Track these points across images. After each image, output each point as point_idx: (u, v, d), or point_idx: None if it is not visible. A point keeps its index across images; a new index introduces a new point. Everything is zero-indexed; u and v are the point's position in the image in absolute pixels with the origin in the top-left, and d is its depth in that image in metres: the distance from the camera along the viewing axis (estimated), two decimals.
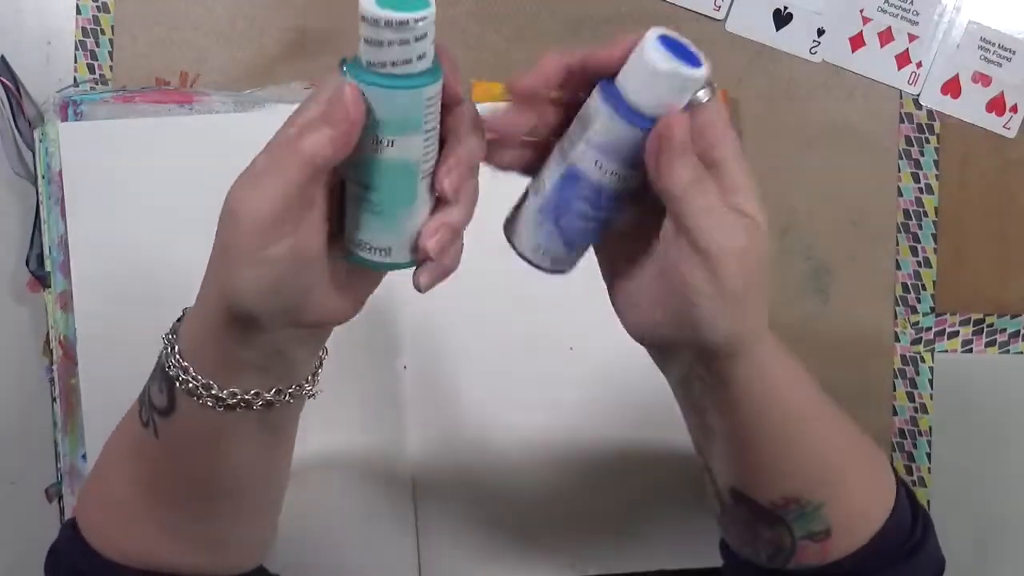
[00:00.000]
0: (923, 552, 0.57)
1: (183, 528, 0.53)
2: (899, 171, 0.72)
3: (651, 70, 0.43)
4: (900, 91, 0.72)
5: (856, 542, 0.54)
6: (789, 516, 0.54)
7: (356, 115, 0.42)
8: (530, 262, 0.48)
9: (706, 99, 0.45)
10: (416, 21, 0.40)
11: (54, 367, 0.70)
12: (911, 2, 0.72)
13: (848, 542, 0.54)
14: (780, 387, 0.51)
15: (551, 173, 0.46)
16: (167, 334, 0.50)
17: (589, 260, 0.69)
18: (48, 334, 0.71)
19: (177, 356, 0.48)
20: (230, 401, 0.48)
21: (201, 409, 0.48)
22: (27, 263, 0.71)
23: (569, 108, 0.47)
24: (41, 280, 0.71)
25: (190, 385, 0.48)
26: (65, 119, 0.69)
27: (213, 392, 0.48)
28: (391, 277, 0.49)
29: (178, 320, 0.50)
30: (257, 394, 0.49)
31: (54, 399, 0.70)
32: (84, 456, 0.70)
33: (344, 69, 0.43)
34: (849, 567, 0.55)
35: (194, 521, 0.54)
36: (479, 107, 0.74)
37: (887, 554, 0.55)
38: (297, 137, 0.44)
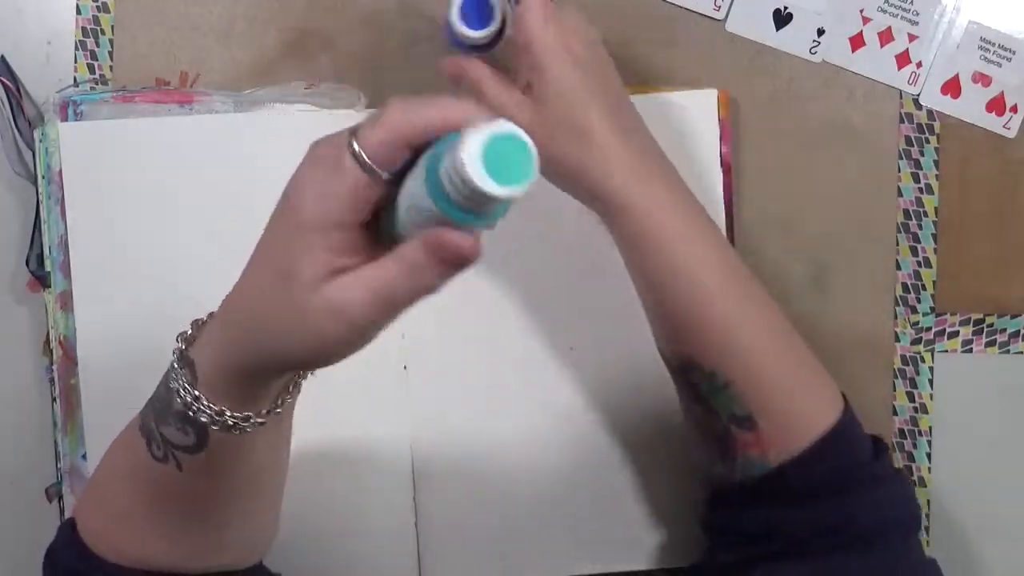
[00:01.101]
0: (891, 483, 0.58)
1: (191, 535, 0.53)
2: (899, 171, 0.72)
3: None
4: (900, 91, 0.72)
5: (793, 444, 0.56)
6: (696, 380, 0.57)
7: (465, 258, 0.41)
8: None
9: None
10: (518, 196, 0.38)
11: (54, 367, 0.70)
12: (911, 2, 0.72)
13: (783, 441, 0.56)
14: (666, 242, 0.57)
15: None
16: (179, 379, 0.48)
17: (590, 262, 0.70)
18: (48, 334, 0.71)
19: (206, 403, 0.47)
20: (264, 420, 0.48)
21: (233, 437, 0.48)
22: (27, 263, 0.71)
23: None
24: (41, 280, 0.71)
25: (228, 423, 0.47)
26: (65, 119, 0.69)
27: (251, 421, 0.48)
28: None
29: (181, 360, 0.48)
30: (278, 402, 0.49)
31: (54, 399, 0.70)
32: (84, 456, 0.70)
33: (427, 170, 0.40)
34: (798, 482, 0.56)
35: (204, 528, 0.54)
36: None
37: (840, 473, 0.56)
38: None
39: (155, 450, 0.50)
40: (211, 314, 0.50)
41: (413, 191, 0.42)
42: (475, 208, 0.39)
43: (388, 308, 0.43)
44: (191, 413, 0.47)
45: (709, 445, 0.60)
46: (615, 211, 0.58)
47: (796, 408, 0.57)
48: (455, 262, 0.41)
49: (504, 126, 0.38)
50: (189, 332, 0.50)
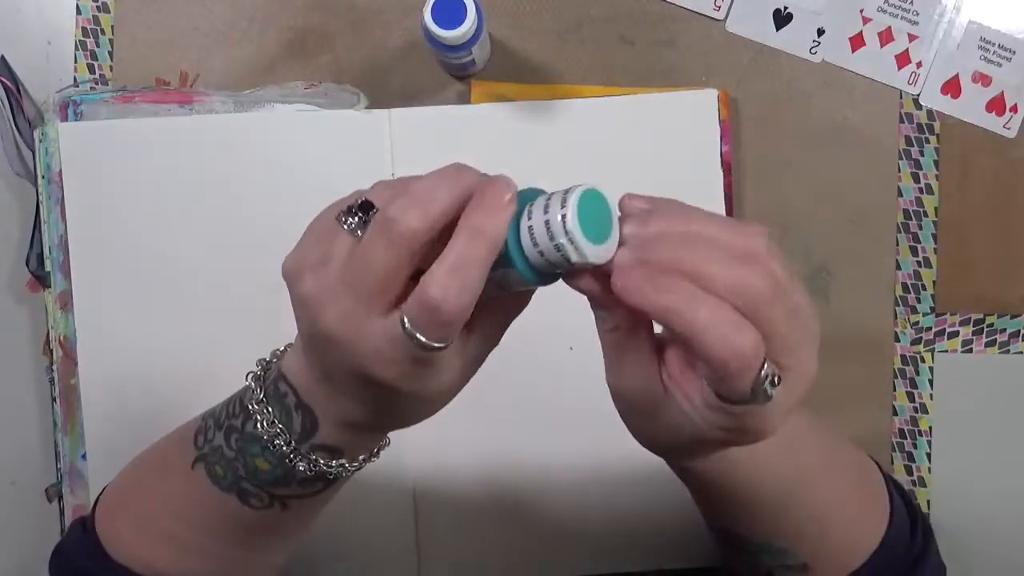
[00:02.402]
0: (925, 565, 0.57)
1: (232, 557, 0.53)
2: (899, 171, 0.72)
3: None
4: (900, 91, 0.72)
5: (843, 571, 0.54)
6: (750, 548, 0.53)
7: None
8: None
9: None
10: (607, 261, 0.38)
11: (54, 367, 0.70)
12: (911, 2, 0.72)
13: (834, 570, 0.54)
14: (761, 468, 0.49)
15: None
16: (290, 428, 0.46)
17: None
18: (48, 334, 0.71)
19: (343, 463, 0.47)
20: (363, 465, 0.49)
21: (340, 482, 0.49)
22: (27, 263, 0.71)
23: None
24: (41, 280, 0.71)
25: (345, 470, 0.48)
26: (65, 119, 0.69)
27: (356, 466, 0.48)
28: None
29: (298, 408, 0.46)
30: None
31: (54, 399, 0.70)
32: (84, 456, 0.70)
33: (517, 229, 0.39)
34: None
35: (249, 552, 0.53)
36: (480, 107, 0.74)
37: (886, 570, 0.55)
38: None
39: (254, 502, 0.49)
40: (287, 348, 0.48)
41: None
42: (555, 265, 0.38)
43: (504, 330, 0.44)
44: (305, 463, 0.47)
45: (747, 569, 0.57)
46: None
47: (853, 542, 0.54)
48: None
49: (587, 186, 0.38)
50: (290, 387, 0.47)
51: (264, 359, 0.49)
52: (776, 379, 0.38)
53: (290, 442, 0.46)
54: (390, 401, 0.43)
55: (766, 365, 0.37)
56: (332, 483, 0.49)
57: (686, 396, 0.41)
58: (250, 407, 0.46)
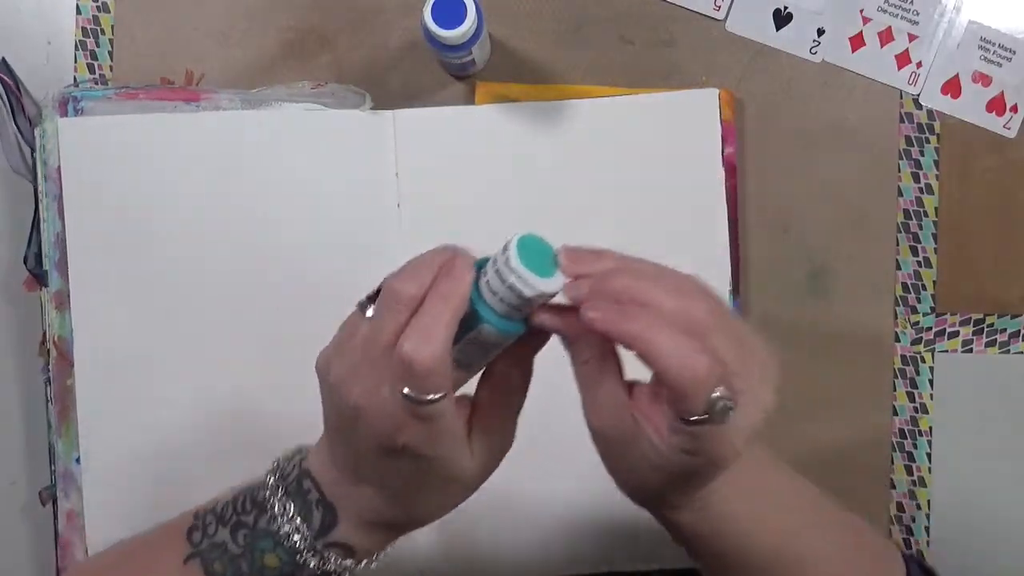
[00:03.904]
0: None
1: None
2: (899, 171, 0.72)
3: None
4: (900, 91, 0.72)
5: None
6: None
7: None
8: None
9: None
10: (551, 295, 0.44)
11: (50, 367, 0.70)
12: (911, 2, 0.72)
13: None
14: (741, 532, 0.51)
15: None
16: (307, 523, 0.49)
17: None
18: (44, 334, 0.70)
19: (352, 562, 0.50)
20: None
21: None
22: (24, 261, 0.71)
23: None
24: (39, 279, 0.70)
25: (356, 570, 0.50)
26: (65, 115, 0.69)
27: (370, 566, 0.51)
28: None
29: (320, 503, 0.49)
30: None
31: (49, 400, 0.70)
32: (78, 460, 0.69)
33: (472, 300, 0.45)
34: None
35: None
36: (482, 108, 0.74)
37: None
38: None
39: None
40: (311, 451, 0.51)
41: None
42: (518, 308, 0.44)
43: (517, 419, 0.50)
44: (317, 560, 0.49)
45: None
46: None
47: None
48: (539, 349, 0.48)
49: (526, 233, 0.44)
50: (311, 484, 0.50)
51: (278, 459, 0.51)
52: (730, 402, 0.42)
53: (307, 538, 0.49)
54: (411, 483, 0.47)
55: (720, 387, 0.42)
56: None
57: (654, 426, 0.45)
58: (269, 503, 0.49)
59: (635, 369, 0.45)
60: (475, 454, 0.48)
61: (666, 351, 0.41)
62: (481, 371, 0.48)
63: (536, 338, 0.47)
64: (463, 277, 0.44)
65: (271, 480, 0.50)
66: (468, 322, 0.45)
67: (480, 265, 0.45)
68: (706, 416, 0.42)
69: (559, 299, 0.45)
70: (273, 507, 0.49)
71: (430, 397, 0.43)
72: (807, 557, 0.53)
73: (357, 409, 0.45)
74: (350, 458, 0.48)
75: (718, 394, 0.42)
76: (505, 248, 0.43)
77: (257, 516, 0.49)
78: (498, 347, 0.46)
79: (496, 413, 0.49)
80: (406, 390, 0.43)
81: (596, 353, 0.45)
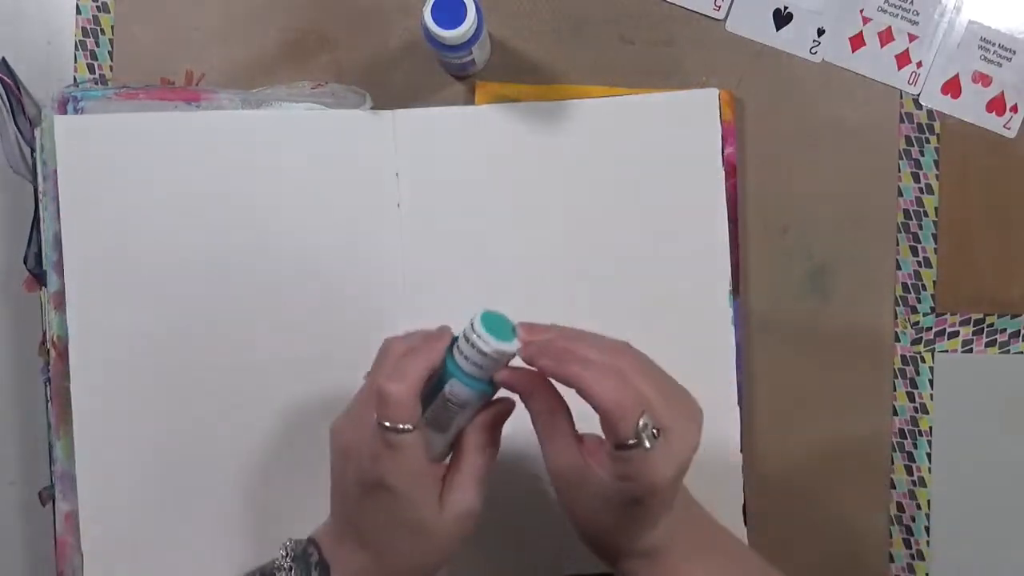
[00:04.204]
0: None
1: None
2: (899, 171, 0.72)
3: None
4: (900, 91, 0.72)
5: None
6: None
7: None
8: None
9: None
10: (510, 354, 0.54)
11: (50, 368, 0.70)
12: (911, 2, 0.72)
13: None
14: None
15: None
16: None
17: (588, 261, 0.69)
18: (44, 334, 0.70)
19: None
20: None
21: None
22: (24, 261, 0.71)
23: None
24: (39, 279, 0.70)
25: None
26: (63, 114, 0.69)
27: None
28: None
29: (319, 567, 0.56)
30: None
31: (48, 401, 0.69)
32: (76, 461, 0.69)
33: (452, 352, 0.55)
34: None
35: None
36: (482, 108, 0.74)
37: None
38: None
39: None
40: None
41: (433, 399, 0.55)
42: (481, 367, 0.54)
43: (485, 484, 0.56)
44: None
45: None
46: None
47: None
48: (505, 419, 0.57)
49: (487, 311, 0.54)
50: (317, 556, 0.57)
51: (292, 538, 0.58)
52: (655, 432, 0.51)
53: None
54: (385, 527, 0.54)
55: (645, 417, 0.50)
56: None
57: (598, 461, 0.53)
58: (278, 571, 0.56)
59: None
60: (444, 508, 0.55)
61: (597, 386, 0.51)
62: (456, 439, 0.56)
63: (501, 406, 0.56)
64: (441, 338, 0.55)
65: (285, 549, 0.57)
66: (442, 381, 0.54)
67: (456, 338, 0.55)
68: (635, 442, 0.50)
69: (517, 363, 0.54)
70: (282, 571, 0.56)
71: (401, 426, 0.52)
72: None
73: (346, 450, 0.54)
74: (339, 506, 0.56)
75: (644, 422, 0.50)
76: (472, 320, 0.53)
77: None
78: (468, 406, 0.55)
79: (466, 471, 0.56)
80: (376, 416, 0.52)
81: (549, 406, 0.55)
